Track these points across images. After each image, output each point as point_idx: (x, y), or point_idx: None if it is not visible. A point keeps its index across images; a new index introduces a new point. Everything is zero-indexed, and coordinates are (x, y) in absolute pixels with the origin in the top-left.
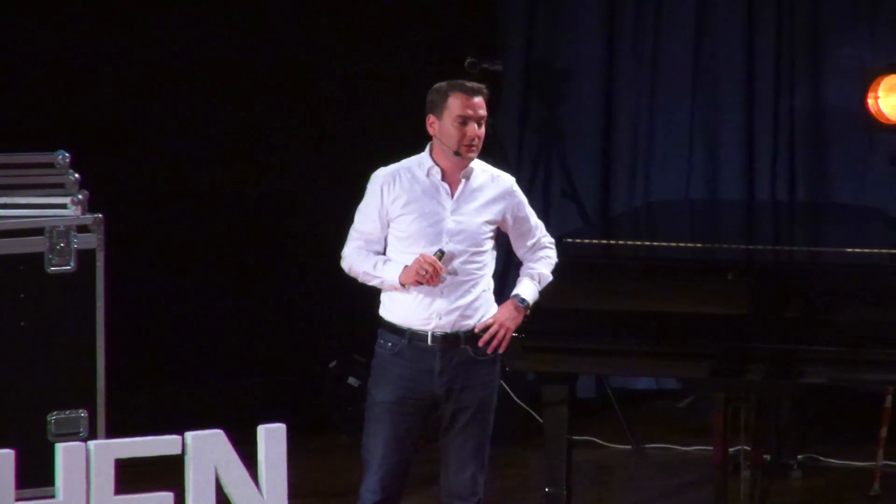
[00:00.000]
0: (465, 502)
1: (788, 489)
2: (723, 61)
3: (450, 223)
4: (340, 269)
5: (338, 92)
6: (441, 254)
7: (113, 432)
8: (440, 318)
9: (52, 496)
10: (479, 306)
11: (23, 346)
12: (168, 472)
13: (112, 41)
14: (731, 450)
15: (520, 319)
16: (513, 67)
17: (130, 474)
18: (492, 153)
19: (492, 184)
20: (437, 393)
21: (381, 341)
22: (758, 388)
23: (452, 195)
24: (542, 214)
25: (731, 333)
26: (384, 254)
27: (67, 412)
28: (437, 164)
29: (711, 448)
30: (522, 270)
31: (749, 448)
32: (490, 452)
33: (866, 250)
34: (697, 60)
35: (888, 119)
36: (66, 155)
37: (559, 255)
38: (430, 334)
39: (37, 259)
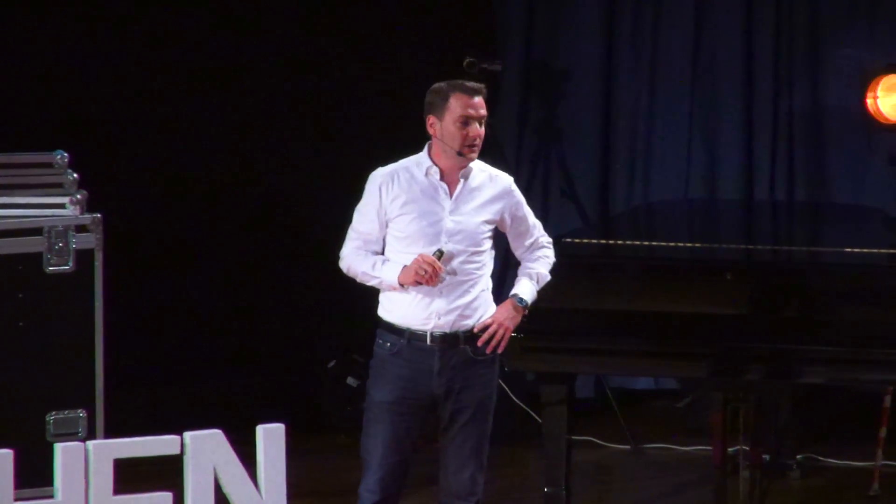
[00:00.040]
0: (464, 502)
1: (787, 489)
2: (722, 61)
3: (448, 223)
4: (339, 269)
5: (337, 92)
6: (440, 254)
7: (112, 432)
8: (439, 318)
9: (51, 496)
10: (478, 306)
11: (21, 346)
12: (167, 472)
13: (111, 41)
14: (730, 450)
15: (518, 319)
16: (512, 67)
17: (129, 474)
18: (490, 153)
19: (490, 183)
20: (436, 393)
21: (380, 341)
22: (757, 388)
23: (451, 195)
24: (542, 214)
25: (730, 333)
26: (382, 254)
27: (66, 412)
28: (436, 164)
29: (710, 448)
30: (520, 270)
31: (748, 448)
32: (489, 452)
33: (865, 250)
34: (696, 60)
35: (887, 119)
36: (65, 155)
37: (558, 255)
38: (429, 334)
39: (35, 259)
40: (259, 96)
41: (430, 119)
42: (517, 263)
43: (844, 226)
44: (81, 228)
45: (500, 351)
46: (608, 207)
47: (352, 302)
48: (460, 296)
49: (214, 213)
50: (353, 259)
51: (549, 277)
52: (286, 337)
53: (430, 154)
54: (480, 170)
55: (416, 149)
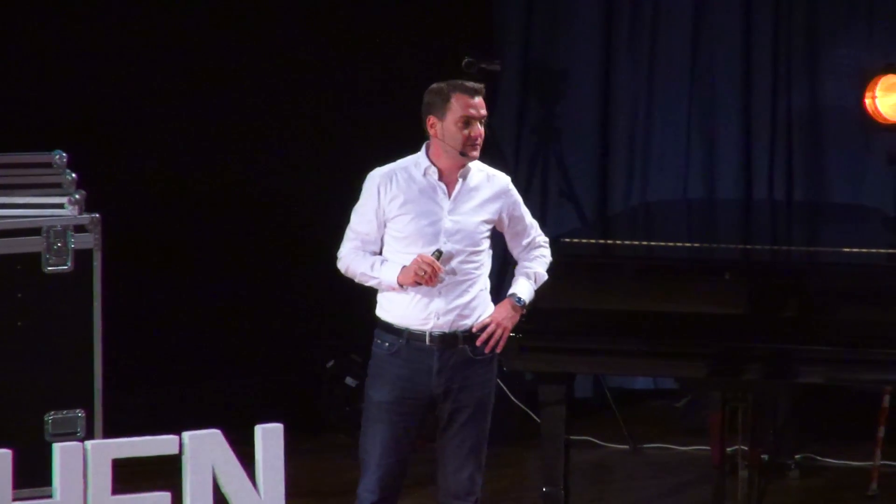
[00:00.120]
0: (462, 502)
1: (786, 489)
2: (720, 61)
3: (447, 223)
4: (337, 269)
5: (336, 91)
6: (439, 254)
7: (110, 432)
8: (438, 318)
9: (50, 496)
10: (477, 306)
11: (20, 346)
12: (165, 472)
13: (110, 41)
14: (728, 450)
15: (517, 319)
16: (510, 67)
17: (127, 474)
18: (489, 153)
19: (488, 183)
20: (435, 393)
21: (379, 341)
22: (755, 388)
23: (449, 195)
24: (540, 214)
25: (728, 333)
26: (380, 254)
27: (65, 412)
28: (435, 164)
29: (709, 448)
30: (518, 269)
31: (746, 448)
32: (487, 452)
33: (864, 250)
34: (695, 60)
35: (885, 119)
36: (64, 155)
37: (557, 255)
38: (428, 334)
39: (34, 259)
40: (258, 96)
41: (430, 119)
42: (515, 263)
43: (843, 225)
44: (80, 228)
45: (498, 350)
46: (607, 207)
47: (350, 302)
48: (459, 296)
49: (213, 213)
50: (352, 259)
51: (546, 277)
52: (285, 337)
53: (428, 154)
54: (478, 169)
55: (414, 148)
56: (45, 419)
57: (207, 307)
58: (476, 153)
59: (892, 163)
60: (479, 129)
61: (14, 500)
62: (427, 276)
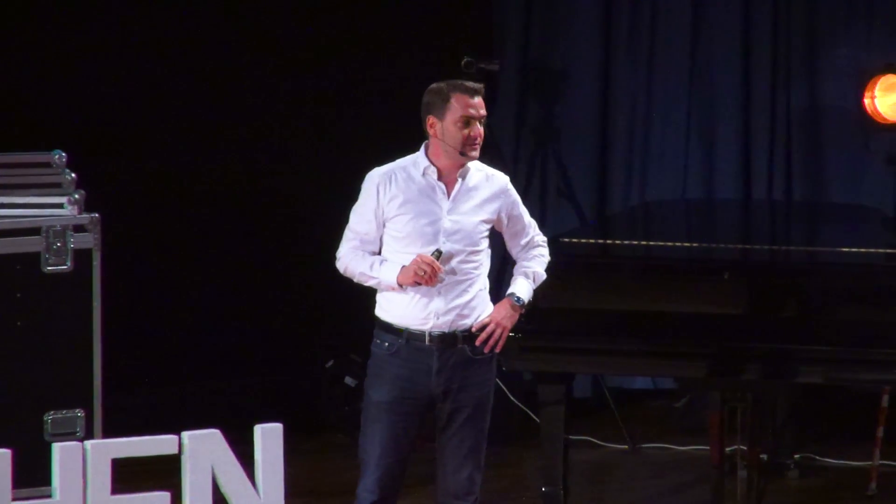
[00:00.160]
0: (461, 502)
1: (785, 489)
2: (719, 61)
3: (447, 223)
4: (336, 269)
5: (336, 91)
6: (439, 254)
7: (109, 432)
8: (438, 318)
9: (49, 496)
10: (476, 305)
11: (19, 346)
12: (165, 472)
13: (110, 41)
14: (727, 449)
15: (516, 318)
16: (509, 67)
17: (127, 474)
18: (488, 152)
19: (487, 183)
20: (435, 392)
21: (378, 341)
22: (754, 388)
23: (448, 195)
24: (539, 214)
25: (727, 333)
26: (379, 254)
27: (64, 412)
28: (434, 164)
29: (708, 448)
30: (516, 269)
31: (746, 448)
32: (487, 452)
33: (863, 250)
34: (693, 60)
35: (884, 119)
36: (63, 154)
37: (556, 254)
38: (427, 334)
39: (33, 259)
40: (258, 96)
41: (430, 119)
42: (514, 262)
43: (842, 225)
44: (79, 228)
45: (497, 350)
46: (606, 207)
47: (349, 302)
48: (458, 295)
49: (212, 212)
50: (351, 259)
51: (545, 276)
52: (284, 337)
53: (427, 154)
54: (477, 169)
55: (414, 148)
56: (45, 419)
57: (206, 307)
58: (475, 153)
59: (891, 163)
60: (479, 128)
61: (13, 499)
62: (427, 275)
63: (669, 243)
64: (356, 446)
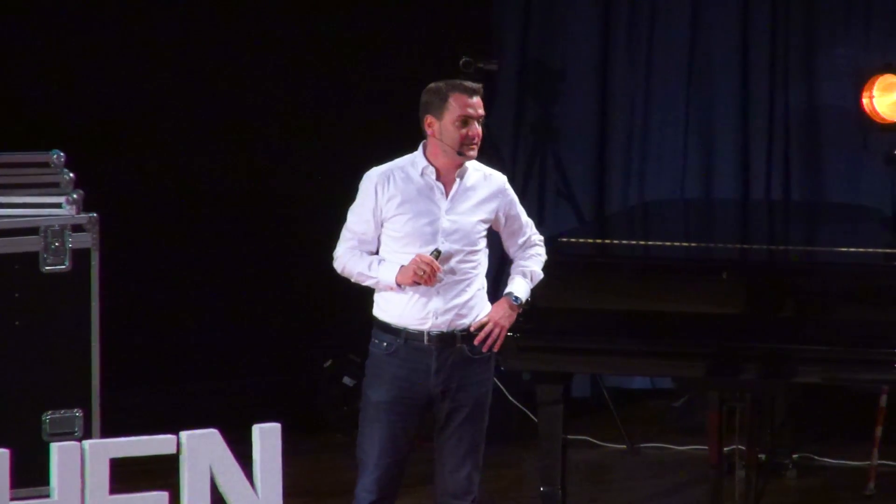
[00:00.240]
0: (460, 501)
1: (783, 489)
2: (718, 61)
3: (445, 222)
4: (335, 269)
5: (335, 91)
6: (437, 253)
7: (108, 432)
8: (436, 318)
9: (47, 496)
10: (474, 305)
11: (18, 346)
12: (163, 472)
13: (110, 41)
14: (726, 449)
15: (514, 317)
16: (508, 67)
17: (125, 474)
18: (486, 152)
19: (485, 182)
20: (433, 392)
21: (376, 341)
22: (753, 388)
23: (447, 195)
24: (537, 214)
25: (725, 333)
26: (377, 254)
27: (62, 412)
28: (432, 164)
29: (706, 448)
30: (514, 268)
31: (744, 448)
32: (485, 451)
33: (861, 249)
34: (692, 60)
35: (883, 118)
36: (61, 154)
37: (554, 254)
38: (426, 334)
39: (32, 258)
40: (258, 96)
41: (428, 119)
42: (511, 262)
43: (840, 225)
44: (78, 228)
45: (496, 349)
46: (604, 207)
47: (347, 302)
48: (457, 295)
49: (211, 212)
50: (349, 259)
51: (542, 275)
52: (282, 337)
53: (425, 153)
54: (475, 169)
55: (413, 148)
56: (43, 419)
57: (205, 307)
58: (474, 153)
59: (889, 162)
60: (477, 128)
61: (12, 499)
62: (426, 275)
63: (668, 243)
64: (354, 446)
